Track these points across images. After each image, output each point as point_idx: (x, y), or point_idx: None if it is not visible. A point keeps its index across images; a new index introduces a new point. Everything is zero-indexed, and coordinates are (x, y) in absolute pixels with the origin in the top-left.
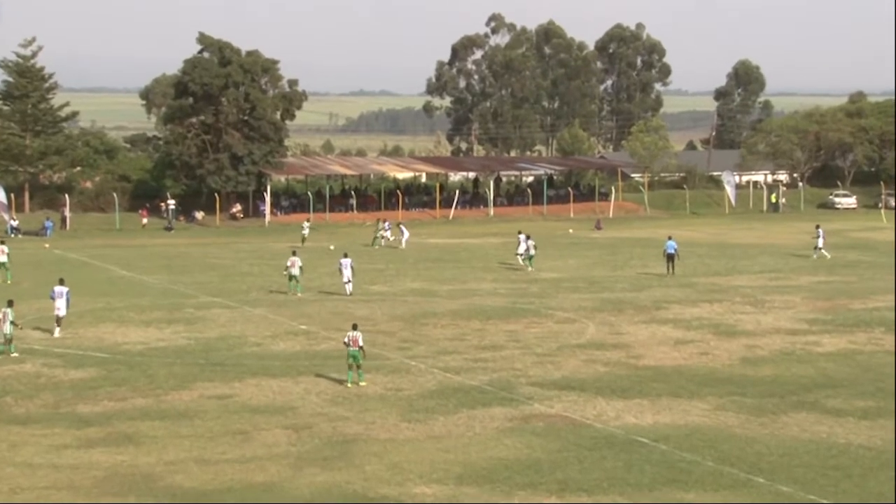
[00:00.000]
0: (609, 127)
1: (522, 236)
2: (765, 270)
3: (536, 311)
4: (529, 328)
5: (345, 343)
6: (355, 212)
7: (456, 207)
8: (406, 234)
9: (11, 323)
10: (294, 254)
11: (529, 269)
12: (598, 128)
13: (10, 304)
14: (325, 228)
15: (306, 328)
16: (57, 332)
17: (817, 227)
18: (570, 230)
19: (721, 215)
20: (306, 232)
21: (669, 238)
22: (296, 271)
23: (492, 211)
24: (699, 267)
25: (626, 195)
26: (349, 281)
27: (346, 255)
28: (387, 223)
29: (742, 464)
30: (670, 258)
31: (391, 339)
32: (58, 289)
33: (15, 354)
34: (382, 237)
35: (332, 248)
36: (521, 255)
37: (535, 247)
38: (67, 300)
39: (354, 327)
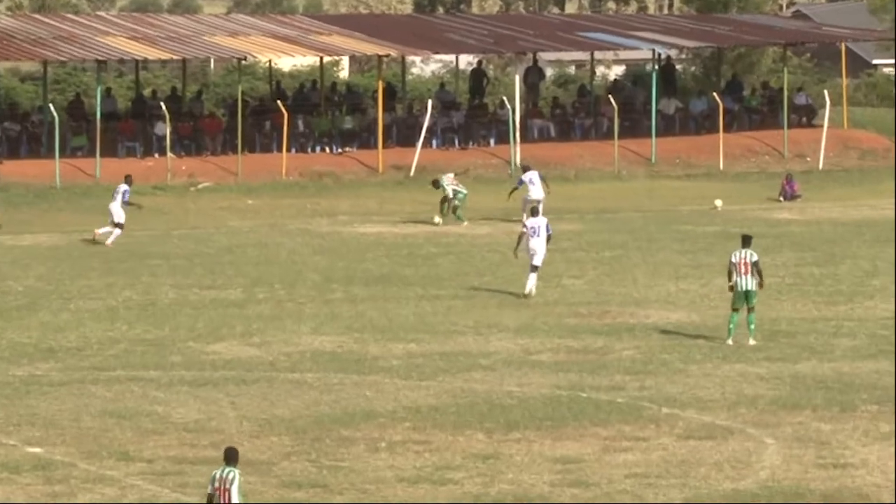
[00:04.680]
0: None
1: (532, 175)
2: None
3: (631, 408)
4: (615, 451)
5: (209, 497)
6: (171, 154)
7: (427, 144)
8: (117, 214)
9: None
10: None
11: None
12: None
13: None
14: (89, 194)
15: (46, 454)
16: None
17: None
18: (718, 202)
19: None
20: None
21: None
22: None
23: (517, 154)
24: None
25: (857, 112)
26: None
27: None
28: None
29: None
30: None
31: (266, 479)
32: None
33: None
34: None
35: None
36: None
37: (758, 270)
38: None
39: (229, 459)
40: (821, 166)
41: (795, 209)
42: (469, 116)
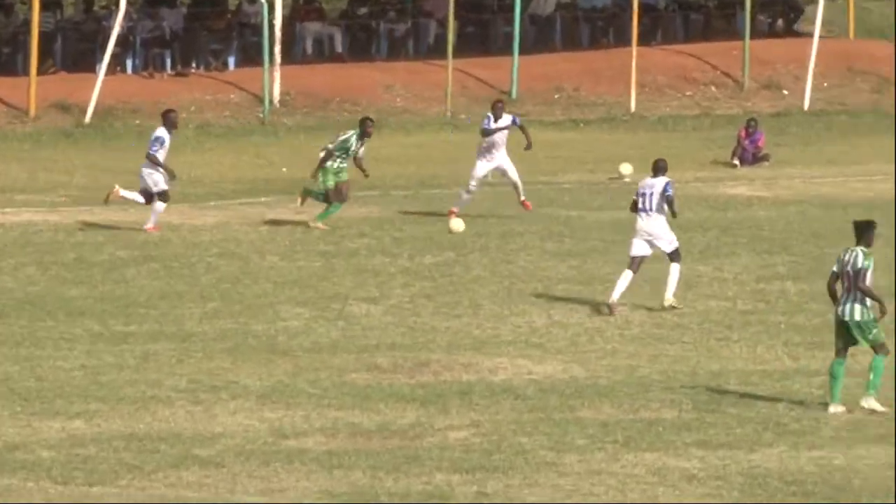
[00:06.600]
0: None
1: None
2: None
3: None
4: None
5: None
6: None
7: (115, 68)
8: (153, 178)
9: None
10: None
11: None
12: None
13: None
14: None
15: None
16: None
17: None
18: (626, 168)
19: None
20: None
21: None
22: None
23: (276, 83)
24: None
25: (874, 9)
26: None
27: None
28: None
29: None
30: None
31: None
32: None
33: None
34: None
35: None
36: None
37: (861, 288)
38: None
39: None
40: (806, 105)
41: (760, 180)
42: (192, 19)
